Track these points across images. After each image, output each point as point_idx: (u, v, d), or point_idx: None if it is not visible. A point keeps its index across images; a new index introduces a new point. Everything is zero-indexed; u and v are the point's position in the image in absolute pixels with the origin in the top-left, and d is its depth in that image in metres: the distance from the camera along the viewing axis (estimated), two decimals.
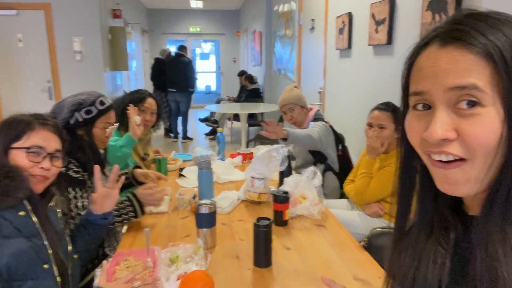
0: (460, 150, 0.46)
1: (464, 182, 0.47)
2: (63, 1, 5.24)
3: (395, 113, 1.95)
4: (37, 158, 1.11)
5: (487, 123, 0.44)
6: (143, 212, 1.62)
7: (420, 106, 0.50)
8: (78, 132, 1.57)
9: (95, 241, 1.38)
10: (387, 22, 2.29)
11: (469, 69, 0.44)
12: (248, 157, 2.59)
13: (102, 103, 1.62)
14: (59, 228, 1.21)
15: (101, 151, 1.72)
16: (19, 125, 1.12)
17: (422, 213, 0.58)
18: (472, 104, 0.44)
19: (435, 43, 0.48)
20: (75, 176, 1.53)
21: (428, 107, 0.49)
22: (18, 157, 1.09)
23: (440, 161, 0.48)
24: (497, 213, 0.45)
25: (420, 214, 0.59)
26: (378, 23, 2.41)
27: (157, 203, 1.66)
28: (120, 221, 1.56)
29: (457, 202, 0.57)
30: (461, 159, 0.47)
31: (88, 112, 1.58)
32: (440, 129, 0.46)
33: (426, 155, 0.50)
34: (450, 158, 0.47)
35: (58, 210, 1.24)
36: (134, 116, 2.11)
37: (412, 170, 0.58)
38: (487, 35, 0.44)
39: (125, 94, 2.33)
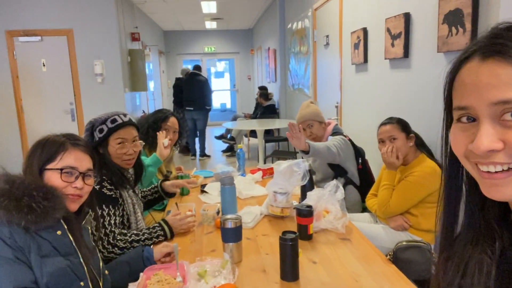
0: (508, 158, 0.47)
1: (511, 188, 0.48)
2: (84, 26, 5.46)
3: (401, 123, 2.00)
4: (70, 178, 1.15)
5: None
6: (172, 236, 1.67)
7: (464, 119, 0.51)
8: (100, 151, 1.65)
9: (133, 275, 1.35)
10: (403, 36, 2.31)
11: (510, 82, 0.45)
12: (268, 173, 2.62)
13: (113, 121, 1.67)
14: (91, 245, 1.25)
15: (131, 169, 1.77)
16: (53, 147, 1.17)
17: (469, 222, 0.59)
18: None
19: (476, 57, 0.48)
20: (108, 194, 1.59)
21: (473, 119, 0.50)
22: (52, 178, 1.13)
23: (489, 171, 0.49)
24: None
25: (466, 223, 0.59)
26: (394, 37, 2.44)
27: (188, 229, 1.72)
28: (150, 244, 1.61)
29: (504, 213, 0.57)
30: (510, 168, 0.47)
31: (101, 130, 1.66)
32: (486, 141, 0.46)
33: (473, 164, 0.51)
34: (499, 168, 0.48)
35: (89, 227, 1.29)
36: (162, 139, 2.19)
37: (459, 179, 0.59)
38: None
39: (149, 113, 2.41)
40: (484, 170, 0.49)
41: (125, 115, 1.73)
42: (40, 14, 5.37)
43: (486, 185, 0.50)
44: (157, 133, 2.25)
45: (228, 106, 12.51)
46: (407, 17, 2.29)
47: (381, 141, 2.05)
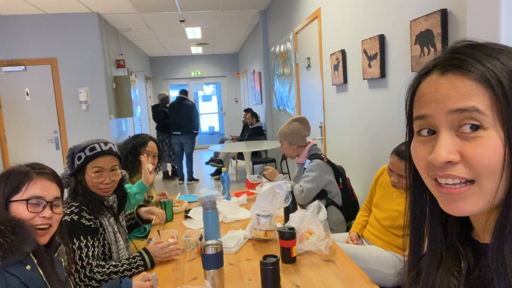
0: (465, 172, 0.47)
1: (470, 202, 0.48)
2: (68, 54, 5.48)
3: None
4: (37, 208, 1.12)
5: (489, 145, 0.45)
6: (153, 266, 1.64)
7: (424, 132, 0.51)
8: (78, 178, 1.63)
9: None
10: (379, 56, 2.38)
11: (468, 93, 0.46)
12: (255, 187, 2.59)
13: (92, 149, 1.65)
14: (64, 277, 1.21)
15: (112, 196, 1.75)
16: (17, 177, 1.13)
17: (432, 242, 0.58)
18: (475, 128, 0.46)
19: (435, 72, 0.50)
20: (87, 224, 1.56)
21: (433, 132, 0.50)
22: (19, 209, 1.10)
23: (447, 184, 0.49)
24: (510, 239, 0.45)
25: (431, 243, 0.59)
26: (371, 58, 2.50)
27: (170, 256, 1.68)
28: (129, 275, 1.57)
29: (467, 231, 0.57)
30: (467, 182, 0.48)
31: (79, 158, 1.65)
32: (444, 151, 0.47)
33: (432, 179, 0.51)
34: (456, 181, 0.48)
35: (62, 260, 1.25)
36: (147, 164, 2.18)
37: (423, 200, 0.59)
38: (484, 62, 0.47)
39: (127, 139, 2.40)
40: (442, 182, 0.49)
41: (106, 143, 1.71)
42: (24, 44, 5.38)
43: (445, 200, 0.50)
44: (141, 157, 2.25)
45: (217, 129, 12.53)
46: (381, 38, 2.36)
47: (390, 170, 1.93)
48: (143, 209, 2.01)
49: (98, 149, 1.67)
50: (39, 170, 1.18)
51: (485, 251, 0.50)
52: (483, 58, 0.47)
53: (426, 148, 0.51)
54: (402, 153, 1.89)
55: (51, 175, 1.20)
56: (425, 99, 0.51)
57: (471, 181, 0.47)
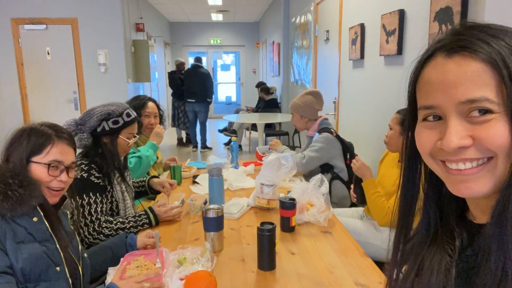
0: (478, 153, 0.47)
1: (481, 182, 0.48)
2: (89, 16, 5.50)
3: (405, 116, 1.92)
4: (56, 172, 1.16)
5: (500, 126, 0.45)
6: (157, 224, 1.72)
7: (430, 118, 0.51)
8: (103, 140, 1.68)
9: (115, 260, 1.39)
10: (397, 32, 2.31)
11: (477, 80, 0.45)
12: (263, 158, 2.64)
13: (128, 115, 1.72)
14: (70, 229, 1.27)
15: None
16: (39, 138, 1.14)
17: (426, 221, 0.59)
18: (484, 112, 0.46)
19: (440, 54, 0.49)
20: (96, 181, 1.63)
21: (439, 117, 0.50)
22: (38, 171, 1.13)
23: (457, 169, 0.49)
24: (509, 220, 0.45)
25: (424, 222, 0.59)
26: (389, 33, 2.44)
27: (173, 219, 1.76)
28: (135, 231, 1.65)
29: (462, 211, 0.57)
30: (481, 162, 0.48)
31: (115, 122, 1.68)
32: (455, 138, 0.47)
33: (441, 162, 0.51)
34: (468, 165, 0.48)
35: (68, 212, 1.31)
36: (158, 129, 2.38)
37: (416, 178, 0.59)
38: (490, 43, 0.46)
39: (127, 102, 2.40)
40: (453, 167, 0.49)
41: (131, 110, 1.77)
42: (45, 3, 5.41)
43: (454, 181, 0.50)
44: (155, 125, 2.41)
45: (234, 99, 12.52)
46: (401, 13, 2.29)
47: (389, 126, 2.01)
48: (155, 180, 2.08)
49: (133, 116, 1.75)
50: (60, 134, 1.19)
51: (479, 231, 0.51)
52: (489, 39, 0.46)
53: (433, 133, 0.50)
54: (400, 110, 1.94)
55: (69, 139, 1.23)
56: (432, 86, 0.49)
57: (487, 160, 0.47)
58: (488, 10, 1.46)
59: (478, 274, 0.48)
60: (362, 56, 2.99)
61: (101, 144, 1.67)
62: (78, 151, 1.71)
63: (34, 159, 1.13)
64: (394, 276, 0.62)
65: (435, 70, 0.49)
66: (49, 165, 1.14)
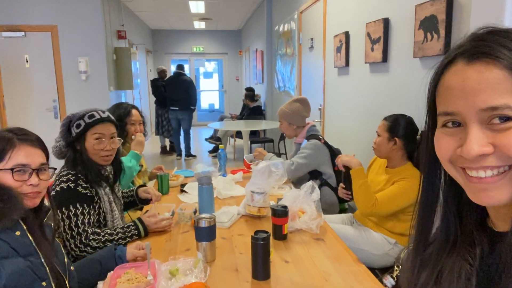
0: (499, 161, 0.46)
1: (502, 191, 0.47)
2: (69, 23, 5.40)
3: (391, 124, 1.95)
4: (23, 176, 1.08)
5: None
6: (146, 235, 1.68)
7: (450, 124, 0.50)
8: (77, 147, 1.64)
9: (104, 274, 1.33)
10: (382, 41, 2.36)
11: (499, 87, 0.44)
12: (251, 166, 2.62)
13: (91, 116, 1.66)
14: (54, 242, 1.21)
15: (109, 167, 1.76)
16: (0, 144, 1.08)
17: (446, 228, 0.58)
18: (505, 119, 0.45)
19: (461, 60, 0.48)
20: (83, 192, 1.58)
21: (458, 124, 0.49)
22: (4, 178, 1.06)
23: (478, 177, 0.48)
24: None
25: (443, 229, 0.58)
26: (374, 41, 2.48)
27: (162, 229, 1.72)
28: (124, 243, 1.60)
29: (482, 219, 0.56)
30: (503, 170, 0.47)
31: (78, 126, 1.64)
32: (476, 145, 0.46)
33: (461, 169, 0.50)
34: (489, 173, 0.47)
35: (51, 224, 1.24)
36: (139, 137, 2.33)
37: (436, 185, 0.58)
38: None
39: (109, 109, 2.34)
40: (473, 175, 0.48)
41: (103, 111, 1.72)
42: (24, 9, 5.29)
43: (475, 190, 0.49)
44: (136, 133, 2.35)
45: (217, 106, 12.49)
46: (386, 22, 2.33)
47: (377, 133, 2.03)
48: (141, 188, 2.04)
49: (98, 116, 1.67)
50: (22, 136, 1.12)
51: (500, 240, 0.50)
52: (509, 44, 0.45)
53: (453, 140, 0.50)
54: (389, 116, 1.98)
55: (35, 141, 1.15)
56: (452, 93, 0.48)
57: (508, 168, 0.47)
58: (473, 19, 1.50)
59: (499, 283, 0.48)
60: (347, 63, 3.03)
61: (77, 151, 1.64)
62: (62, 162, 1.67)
63: None
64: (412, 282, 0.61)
65: (455, 76, 0.49)
66: (12, 170, 1.07)
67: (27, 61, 5.44)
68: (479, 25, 0.50)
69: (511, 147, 0.45)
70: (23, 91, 5.47)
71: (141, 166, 2.52)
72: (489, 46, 0.46)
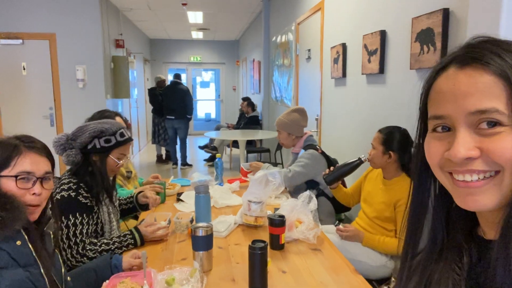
0: (485, 166, 0.47)
1: (488, 196, 0.48)
2: (67, 31, 5.41)
3: (385, 136, 1.96)
4: (27, 185, 1.06)
5: (509, 139, 0.45)
6: (142, 244, 1.66)
7: (439, 129, 0.51)
8: (92, 158, 1.62)
9: (99, 283, 1.30)
10: (379, 52, 2.39)
11: (488, 91, 0.45)
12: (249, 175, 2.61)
13: (122, 135, 1.67)
14: (51, 250, 1.18)
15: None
16: (5, 151, 1.07)
17: (433, 237, 0.58)
18: (493, 124, 0.46)
19: (453, 66, 0.49)
20: (84, 201, 1.57)
21: (448, 129, 0.50)
22: (8, 185, 1.04)
23: (465, 180, 0.48)
24: None
25: (431, 238, 0.58)
26: (371, 53, 2.51)
27: (159, 238, 1.71)
28: (120, 252, 1.59)
29: (471, 227, 0.56)
30: (488, 175, 0.47)
31: (108, 141, 1.62)
32: (463, 148, 0.47)
33: (448, 174, 0.51)
34: (475, 177, 0.48)
35: (50, 232, 1.22)
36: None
37: (426, 193, 0.58)
38: (503, 57, 0.46)
39: (94, 115, 2.25)
40: (460, 179, 0.49)
41: (125, 129, 1.72)
42: (23, 17, 5.30)
43: (461, 194, 0.50)
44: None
45: (213, 116, 12.51)
46: (383, 34, 2.36)
47: (372, 145, 2.04)
48: (140, 194, 2.02)
49: (127, 136, 1.69)
50: (29, 144, 1.11)
51: (490, 247, 0.50)
52: (502, 53, 0.47)
53: (441, 144, 0.50)
54: (384, 129, 1.99)
55: (41, 149, 1.13)
56: (443, 97, 0.50)
57: (494, 173, 0.47)
58: (470, 31, 1.52)
59: None
60: (344, 74, 3.06)
61: (91, 162, 1.62)
62: (62, 168, 1.64)
63: (3, 173, 1.05)
64: None
65: (446, 80, 0.50)
66: (16, 177, 1.05)
67: (24, 69, 5.43)
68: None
69: (498, 152, 0.46)
70: (20, 99, 5.45)
71: (130, 172, 2.49)
72: (480, 52, 0.48)
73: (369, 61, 2.54)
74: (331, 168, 2.21)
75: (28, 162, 1.08)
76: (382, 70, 2.40)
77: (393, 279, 1.73)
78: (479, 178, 0.48)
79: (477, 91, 0.46)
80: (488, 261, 0.50)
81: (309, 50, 4.13)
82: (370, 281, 1.90)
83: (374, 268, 1.94)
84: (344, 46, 3.03)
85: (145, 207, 2.01)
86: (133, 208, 2.02)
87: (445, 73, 0.51)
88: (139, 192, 2.05)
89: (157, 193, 2.27)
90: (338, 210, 2.53)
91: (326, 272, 1.44)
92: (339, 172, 2.16)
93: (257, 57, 7.57)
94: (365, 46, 2.59)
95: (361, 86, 2.76)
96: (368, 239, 1.96)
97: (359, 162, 2.10)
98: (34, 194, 1.07)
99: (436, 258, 0.57)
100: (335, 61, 3.19)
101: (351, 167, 2.14)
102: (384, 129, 2.01)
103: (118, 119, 2.33)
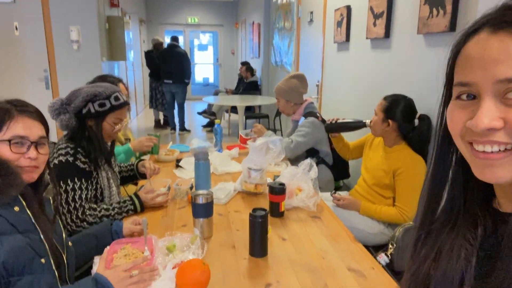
0: (508, 137, 0.45)
1: (507, 168, 0.46)
2: None
3: (388, 104, 1.92)
4: (21, 149, 1.04)
5: None
6: (142, 210, 1.66)
7: (464, 96, 0.48)
8: (88, 123, 1.59)
9: (100, 249, 1.30)
10: (385, 15, 2.29)
11: None
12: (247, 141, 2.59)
13: (116, 98, 1.62)
14: (51, 216, 1.18)
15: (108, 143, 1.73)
16: None
17: (450, 206, 0.57)
18: None
19: (485, 29, 0.46)
20: (82, 167, 1.55)
21: (473, 96, 0.47)
22: (1, 150, 1.02)
23: (484, 151, 0.47)
24: None
25: (447, 207, 0.57)
26: (377, 16, 2.41)
27: (159, 205, 1.71)
28: (119, 218, 1.59)
29: (488, 199, 0.56)
30: (506, 150, 0.46)
31: (102, 105, 1.58)
32: (486, 118, 0.44)
33: (468, 144, 0.49)
34: (495, 149, 0.46)
35: (50, 198, 1.22)
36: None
37: (447, 162, 0.57)
38: None
39: (95, 79, 2.19)
40: (479, 149, 0.47)
41: (120, 93, 1.66)
42: None
43: (480, 165, 0.48)
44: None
45: (211, 80, 12.30)
46: None
47: (375, 111, 2.01)
48: (140, 163, 2.02)
49: (122, 100, 1.64)
50: (21, 108, 1.07)
51: (505, 220, 0.49)
52: None
53: (465, 113, 0.48)
54: (388, 96, 1.96)
55: (34, 113, 1.10)
56: (471, 63, 0.46)
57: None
58: None
59: (498, 264, 0.47)
60: (347, 39, 2.96)
61: (86, 127, 1.58)
62: (60, 134, 1.61)
63: None
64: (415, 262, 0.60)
65: (477, 45, 0.46)
66: (10, 141, 1.03)
67: (16, 29, 5.25)
68: (488, 1, 0.47)
69: None
70: (13, 60, 5.30)
71: (129, 140, 2.47)
72: None
73: (374, 24, 2.45)
74: (335, 118, 2.21)
75: (21, 126, 1.05)
76: (388, 34, 2.31)
77: (390, 245, 1.76)
78: (500, 149, 0.46)
79: (508, 58, 0.43)
80: (502, 233, 0.49)
81: (311, 13, 3.98)
82: (367, 247, 1.93)
83: (372, 236, 1.97)
84: (348, 8, 2.91)
85: (145, 175, 2.00)
86: (133, 176, 2.02)
87: (476, 37, 0.47)
88: (140, 160, 2.04)
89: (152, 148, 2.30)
90: (337, 178, 2.53)
91: (326, 239, 1.45)
92: (340, 125, 2.21)
93: (256, 19, 7.33)
94: (371, 9, 2.48)
95: (365, 51, 2.67)
96: (365, 208, 1.97)
97: (362, 124, 2.10)
98: (29, 158, 1.05)
99: (451, 227, 0.56)
100: (339, 24, 3.08)
101: (352, 126, 2.17)
102: (389, 96, 1.96)
103: (121, 85, 2.28)
